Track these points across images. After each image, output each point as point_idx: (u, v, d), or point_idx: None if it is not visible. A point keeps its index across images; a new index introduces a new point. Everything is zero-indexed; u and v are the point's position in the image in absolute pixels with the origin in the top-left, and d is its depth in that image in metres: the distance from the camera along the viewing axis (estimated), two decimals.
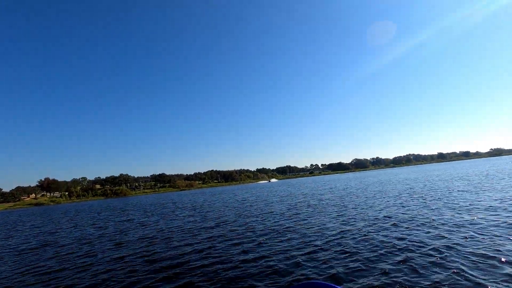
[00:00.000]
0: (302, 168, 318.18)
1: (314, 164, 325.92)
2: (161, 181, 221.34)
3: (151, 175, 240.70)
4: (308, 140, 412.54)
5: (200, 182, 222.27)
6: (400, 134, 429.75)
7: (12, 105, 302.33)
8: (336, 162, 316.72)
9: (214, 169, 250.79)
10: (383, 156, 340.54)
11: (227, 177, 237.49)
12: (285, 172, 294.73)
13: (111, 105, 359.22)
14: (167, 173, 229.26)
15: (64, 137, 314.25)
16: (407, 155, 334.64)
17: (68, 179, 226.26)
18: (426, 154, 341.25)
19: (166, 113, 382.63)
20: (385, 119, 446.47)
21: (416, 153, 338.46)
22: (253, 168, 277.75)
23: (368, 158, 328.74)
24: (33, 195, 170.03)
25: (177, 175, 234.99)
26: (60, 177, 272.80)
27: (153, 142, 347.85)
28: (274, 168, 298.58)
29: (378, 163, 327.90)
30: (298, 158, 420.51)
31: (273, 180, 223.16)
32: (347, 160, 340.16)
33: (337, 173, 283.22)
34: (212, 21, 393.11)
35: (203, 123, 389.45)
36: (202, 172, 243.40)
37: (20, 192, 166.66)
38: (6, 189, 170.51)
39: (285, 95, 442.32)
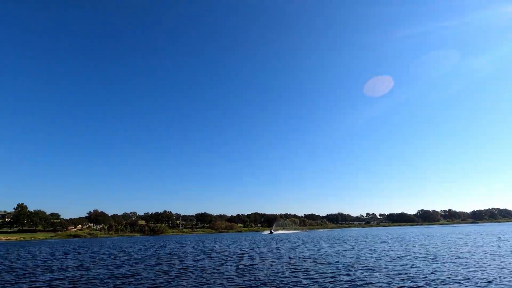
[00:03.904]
0: (357, 216, 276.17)
1: (370, 213, 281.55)
2: (202, 220, 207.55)
3: (195, 214, 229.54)
4: (363, 185, 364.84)
5: (241, 225, 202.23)
6: (479, 183, 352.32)
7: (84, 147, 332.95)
8: (398, 212, 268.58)
9: (258, 212, 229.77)
10: (457, 208, 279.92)
11: (271, 221, 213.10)
12: (337, 220, 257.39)
13: (166, 144, 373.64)
14: (212, 212, 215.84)
15: (126, 174, 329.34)
16: (490, 209, 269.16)
17: (121, 213, 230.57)
18: None
19: (217, 153, 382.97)
20: (459, 164, 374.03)
21: (502, 208, 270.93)
22: (300, 214, 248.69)
23: (438, 210, 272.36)
24: (80, 226, 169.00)
25: (220, 216, 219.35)
26: (115, 211, 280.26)
27: (202, 182, 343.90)
28: (324, 214, 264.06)
29: (451, 216, 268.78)
30: (352, 205, 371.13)
31: (279, 231, 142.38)
32: (411, 210, 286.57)
33: (399, 225, 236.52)
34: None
35: (250, 165, 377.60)
36: (245, 214, 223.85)
37: (68, 222, 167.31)
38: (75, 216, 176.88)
39: (334, 135, 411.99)
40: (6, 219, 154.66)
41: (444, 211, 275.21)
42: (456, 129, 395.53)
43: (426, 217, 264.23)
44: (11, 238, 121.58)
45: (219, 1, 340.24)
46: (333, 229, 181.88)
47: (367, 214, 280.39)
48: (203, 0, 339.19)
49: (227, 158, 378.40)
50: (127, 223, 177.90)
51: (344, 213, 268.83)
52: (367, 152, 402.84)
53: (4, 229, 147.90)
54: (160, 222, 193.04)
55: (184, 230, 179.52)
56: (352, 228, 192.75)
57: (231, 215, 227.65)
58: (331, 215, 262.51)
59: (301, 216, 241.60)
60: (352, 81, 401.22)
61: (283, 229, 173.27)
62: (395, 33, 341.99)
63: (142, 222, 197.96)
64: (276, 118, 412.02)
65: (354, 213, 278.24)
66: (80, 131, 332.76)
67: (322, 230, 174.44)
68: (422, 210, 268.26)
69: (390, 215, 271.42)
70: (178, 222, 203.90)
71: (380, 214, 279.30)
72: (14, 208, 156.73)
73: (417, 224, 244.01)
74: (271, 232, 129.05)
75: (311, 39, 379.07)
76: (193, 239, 78.39)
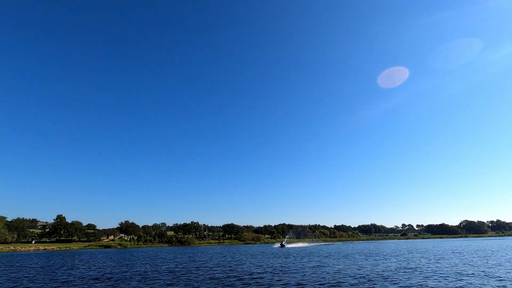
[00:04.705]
0: (391, 228, 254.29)
1: (406, 224, 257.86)
2: (229, 231, 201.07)
3: (223, 225, 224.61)
4: (398, 194, 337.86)
5: (269, 236, 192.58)
6: None
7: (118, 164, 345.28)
8: (438, 223, 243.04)
9: (286, 223, 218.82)
10: (506, 218, 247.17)
11: (299, 232, 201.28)
12: (370, 231, 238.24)
13: (195, 156, 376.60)
14: (239, 223, 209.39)
15: (156, 188, 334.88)
16: None
17: (151, 223, 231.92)
18: None
19: (244, 163, 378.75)
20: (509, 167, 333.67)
21: None
22: (330, 225, 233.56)
23: (485, 221, 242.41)
24: (112, 236, 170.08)
25: (246, 227, 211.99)
26: (147, 221, 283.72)
27: (229, 192, 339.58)
28: (356, 225, 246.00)
29: (500, 228, 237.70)
30: (386, 215, 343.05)
31: (298, 244, 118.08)
32: (452, 221, 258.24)
33: (440, 237, 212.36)
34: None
35: (278, 175, 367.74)
36: (272, 226, 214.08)
37: (101, 232, 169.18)
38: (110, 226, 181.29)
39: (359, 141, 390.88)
40: (47, 230, 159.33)
41: (492, 221, 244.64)
42: (503, 126, 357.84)
43: (470, 229, 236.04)
44: (48, 247, 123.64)
45: None
46: (367, 241, 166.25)
47: (403, 225, 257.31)
48: None
49: (254, 168, 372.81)
50: (156, 234, 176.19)
51: (378, 224, 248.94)
52: (400, 157, 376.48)
53: (44, 239, 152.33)
54: (188, 233, 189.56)
55: (211, 241, 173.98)
56: (388, 240, 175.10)
57: (258, 226, 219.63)
58: (363, 226, 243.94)
59: (331, 227, 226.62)
60: (368, 74, 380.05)
61: (305, 240, 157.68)
62: (412, 21, 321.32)
63: (171, 232, 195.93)
64: (303, 123, 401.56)
65: (389, 224, 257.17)
66: (117, 146, 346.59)
67: (354, 242, 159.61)
68: (466, 220, 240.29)
69: (429, 226, 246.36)
70: (205, 233, 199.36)
71: (418, 225, 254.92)
72: (54, 220, 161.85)
73: (460, 236, 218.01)
74: (281, 245, 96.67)
75: (321, 29, 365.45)
76: (213, 251, 72.11)
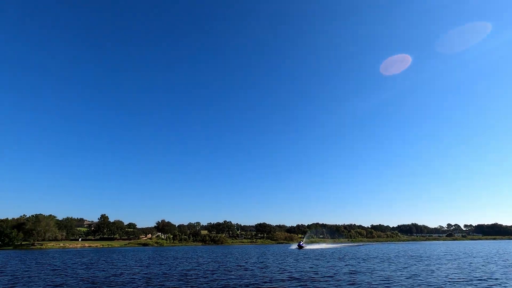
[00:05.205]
0: (435, 228, 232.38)
1: (452, 224, 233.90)
2: (262, 231, 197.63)
3: (255, 224, 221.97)
4: (441, 191, 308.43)
5: (302, 235, 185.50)
6: None
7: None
8: (489, 223, 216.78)
9: (319, 222, 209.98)
10: None
11: (334, 232, 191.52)
12: (410, 231, 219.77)
13: (231, 160, 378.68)
14: (271, 222, 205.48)
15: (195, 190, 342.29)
16: None
17: (187, 223, 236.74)
18: None
19: (277, 165, 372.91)
20: None
21: None
22: (366, 224, 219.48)
23: None
24: (150, 235, 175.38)
25: (279, 226, 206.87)
26: (182, 220, 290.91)
27: (263, 193, 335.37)
28: (395, 225, 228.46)
29: None
30: (428, 214, 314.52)
31: (317, 245, 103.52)
32: (507, 221, 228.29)
33: (494, 239, 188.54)
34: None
35: (311, 174, 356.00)
36: (306, 225, 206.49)
37: (140, 231, 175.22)
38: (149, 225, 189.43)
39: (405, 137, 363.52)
40: (92, 228, 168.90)
41: None
42: None
43: None
44: (93, 245, 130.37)
45: None
46: (408, 242, 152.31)
47: (448, 225, 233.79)
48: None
49: (287, 166, 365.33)
50: (191, 233, 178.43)
51: (419, 223, 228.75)
52: (444, 152, 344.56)
53: (89, 237, 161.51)
54: (221, 232, 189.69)
55: (244, 240, 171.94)
56: (433, 242, 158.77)
57: (291, 226, 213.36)
58: (403, 226, 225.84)
59: (368, 227, 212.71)
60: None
61: (340, 241, 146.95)
62: (416, 5, 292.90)
63: (204, 232, 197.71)
64: (327, 120, 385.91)
65: (431, 224, 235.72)
66: (155, 150, 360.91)
67: (394, 243, 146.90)
68: None
69: (479, 226, 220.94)
70: (238, 232, 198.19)
71: (466, 225, 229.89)
72: (98, 219, 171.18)
73: None
74: (299, 246, 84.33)
75: (322, 16, 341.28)
76: (242, 251, 68.79)
